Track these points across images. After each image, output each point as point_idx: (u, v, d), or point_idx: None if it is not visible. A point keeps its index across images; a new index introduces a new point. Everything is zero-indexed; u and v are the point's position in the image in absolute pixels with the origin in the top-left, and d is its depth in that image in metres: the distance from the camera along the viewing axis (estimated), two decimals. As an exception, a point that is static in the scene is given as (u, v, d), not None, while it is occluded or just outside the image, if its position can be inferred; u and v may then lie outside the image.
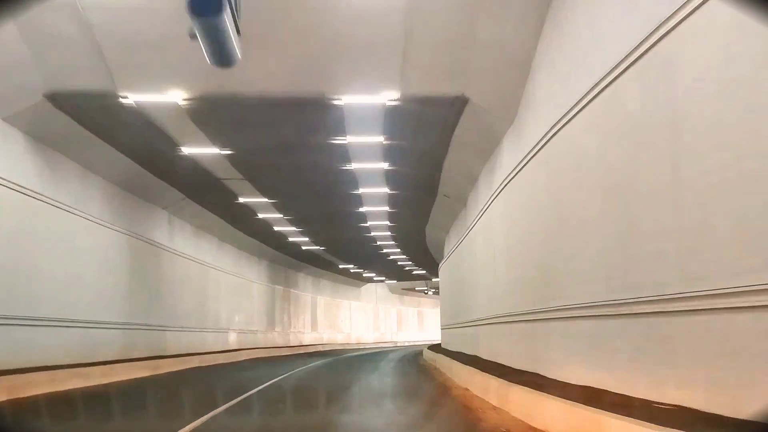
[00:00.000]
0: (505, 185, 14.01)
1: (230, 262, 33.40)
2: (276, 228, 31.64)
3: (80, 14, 11.12)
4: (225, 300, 32.42)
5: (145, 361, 20.05)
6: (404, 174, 20.84)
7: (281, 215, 28.45)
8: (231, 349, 31.75)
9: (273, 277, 42.01)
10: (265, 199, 24.96)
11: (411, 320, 77.36)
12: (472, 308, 19.95)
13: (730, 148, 5.39)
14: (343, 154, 18.54)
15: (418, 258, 44.48)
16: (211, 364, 25.58)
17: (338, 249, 40.63)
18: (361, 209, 27.06)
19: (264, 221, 29.72)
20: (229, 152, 18.46)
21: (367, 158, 19.09)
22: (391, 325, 72.83)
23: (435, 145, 17.21)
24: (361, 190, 23.36)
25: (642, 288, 6.89)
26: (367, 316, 67.23)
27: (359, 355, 38.58)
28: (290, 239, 35.21)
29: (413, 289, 72.64)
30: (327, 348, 49.61)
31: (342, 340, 58.45)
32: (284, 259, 42.39)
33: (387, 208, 26.80)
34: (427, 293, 66.59)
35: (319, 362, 27.55)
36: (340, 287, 59.56)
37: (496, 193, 15.09)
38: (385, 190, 23.15)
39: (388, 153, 18.48)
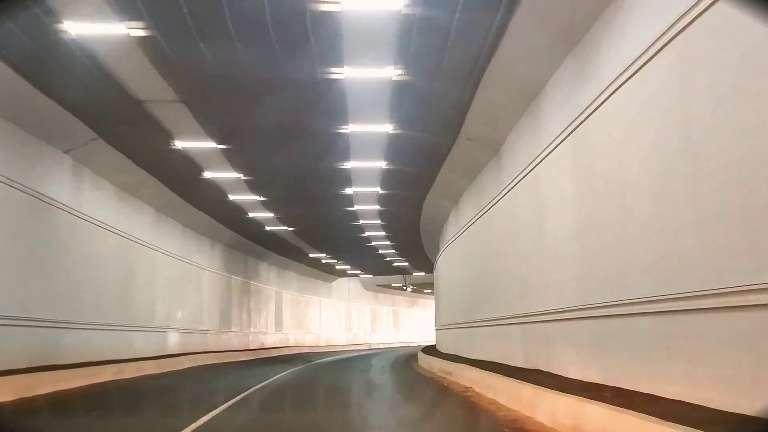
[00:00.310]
0: (659, 50, 7.10)
1: (173, 242, 25.95)
2: (231, 197, 24.30)
3: None
4: (163, 290, 24.97)
5: (17, 376, 12.69)
6: (419, 92, 13.80)
7: (237, 175, 21.14)
8: (169, 354, 24.34)
9: (229, 265, 34.54)
10: (213, 144, 17.64)
11: (386, 320, 70.33)
12: (527, 297, 13.03)
13: None
14: (333, 34, 11.38)
15: (404, 244, 37.49)
16: (135, 376, 18.30)
17: (310, 230, 33.21)
18: (345, 165, 19.93)
19: (214, 185, 22.37)
20: (143, 31, 11.18)
21: (368, 51, 11.98)
22: (365, 325, 65.69)
23: (484, 18, 10.29)
24: (350, 128, 16.22)
25: None
26: (339, 315, 60.00)
27: (337, 360, 31.55)
28: (250, 214, 27.81)
29: (389, 286, 65.71)
30: (294, 351, 42.36)
31: (311, 342, 51.16)
32: (244, 244, 34.96)
33: (382, 164, 19.70)
34: (405, 290, 59.64)
35: (287, 373, 20.41)
36: (309, 281, 52.20)
37: (618, 81, 8.18)
38: (386, 127, 16.06)
39: (403, 42, 11.45)
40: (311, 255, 42.00)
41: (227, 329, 34.20)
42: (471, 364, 15.09)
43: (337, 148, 17.87)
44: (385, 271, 54.46)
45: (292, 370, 22.32)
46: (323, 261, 45.88)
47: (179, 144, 17.51)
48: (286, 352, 41.06)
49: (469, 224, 19.58)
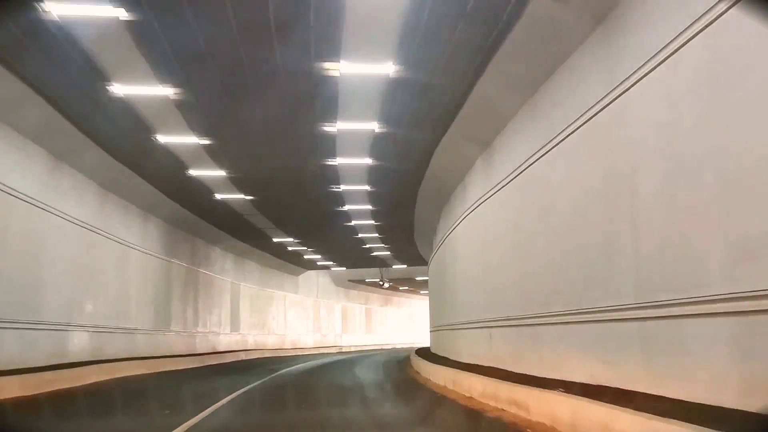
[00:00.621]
0: None
1: (81, 205, 18.44)
2: (161, 139, 16.92)
3: None
4: (63, 270, 17.45)
5: None
6: None
7: (164, 90, 13.77)
8: (69, 362, 16.87)
9: (170, 247, 27.00)
10: (112, 10, 10.32)
11: (358, 320, 63.15)
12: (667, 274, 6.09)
13: None
14: None
15: (392, 224, 30.32)
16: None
17: (274, 200, 25.48)
18: (331, 69, 12.75)
19: (131, 112, 14.95)
20: None
21: None
22: (335, 325, 58.44)
23: None
24: (344, 48, 9.10)
25: None
26: (307, 314, 52.67)
27: (308, 369, 24.58)
28: (192, 172, 20.32)
29: (362, 281, 58.43)
30: (254, 356, 35.12)
31: (273, 345, 43.76)
32: (189, 221, 27.44)
33: (389, 71, 12.58)
34: (382, 285, 52.43)
35: (243, 393, 13.23)
36: (273, 273, 44.74)
37: None
38: (394, 52, 8.98)
39: None
40: (275, 239, 34.59)
41: (165, 328, 26.65)
42: (552, 388, 8.24)
43: (325, 42, 10.71)
44: (361, 263, 47.29)
45: (248, 387, 15.17)
46: (289, 248, 38.52)
47: (53, 10, 10.15)
48: (243, 357, 33.81)
49: (521, 167, 12.63)
